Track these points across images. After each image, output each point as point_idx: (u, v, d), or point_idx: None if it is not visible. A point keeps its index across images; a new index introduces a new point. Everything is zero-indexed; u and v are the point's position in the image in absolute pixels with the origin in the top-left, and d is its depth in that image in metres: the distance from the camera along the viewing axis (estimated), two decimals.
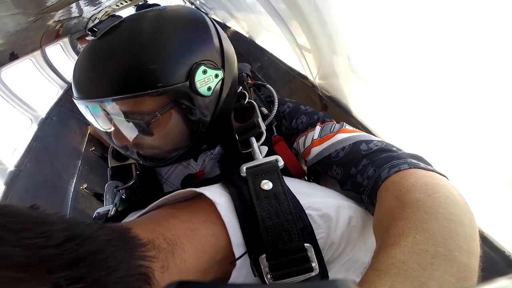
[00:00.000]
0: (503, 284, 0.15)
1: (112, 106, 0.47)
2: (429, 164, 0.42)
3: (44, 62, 2.68)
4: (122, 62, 0.45)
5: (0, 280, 0.20)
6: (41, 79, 2.69)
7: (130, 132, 0.50)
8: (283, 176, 0.43)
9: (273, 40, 1.68)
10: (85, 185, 1.90)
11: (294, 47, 1.01)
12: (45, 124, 2.14)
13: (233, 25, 2.52)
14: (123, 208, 0.58)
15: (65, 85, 2.84)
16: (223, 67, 0.51)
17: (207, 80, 0.48)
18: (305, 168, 0.63)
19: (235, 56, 0.57)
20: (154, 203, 0.42)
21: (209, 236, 0.37)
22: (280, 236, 0.37)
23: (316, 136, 0.55)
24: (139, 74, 0.44)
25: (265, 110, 0.61)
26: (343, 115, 0.92)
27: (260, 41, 1.85)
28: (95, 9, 3.61)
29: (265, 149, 0.54)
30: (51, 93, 2.66)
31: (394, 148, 0.46)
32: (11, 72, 2.06)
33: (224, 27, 3.03)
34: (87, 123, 0.60)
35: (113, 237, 0.28)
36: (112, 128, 0.51)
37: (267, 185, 0.40)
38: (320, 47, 0.85)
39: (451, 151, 0.63)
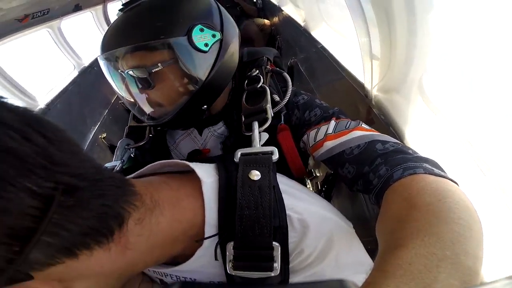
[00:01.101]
0: (503, 284, 0.15)
1: (122, 59, 0.55)
2: (443, 170, 0.42)
3: (103, 16, 2.81)
4: (136, 23, 0.55)
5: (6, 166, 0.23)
6: (96, 32, 2.83)
7: (135, 83, 0.56)
8: (278, 174, 0.44)
9: (332, 36, 1.58)
10: (104, 135, 1.93)
11: (363, 51, 0.92)
12: (86, 72, 2.26)
13: (289, 10, 2.40)
14: (128, 167, 0.63)
15: None
16: (221, 31, 0.58)
17: (204, 37, 0.55)
18: (311, 163, 0.61)
19: (236, 28, 0.64)
20: (153, 164, 0.45)
21: (188, 209, 0.39)
22: (252, 228, 0.38)
23: (330, 131, 0.54)
24: (146, 29, 0.53)
25: (277, 98, 0.62)
26: (391, 136, 0.84)
27: (316, 33, 1.75)
28: None
29: (265, 136, 0.55)
30: None
31: (410, 151, 0.46)
32: (71, 22, 2.22)
33: (278, 10, 2.90)
34: None
35: (117, 178, 0.32)
36: (123, 86, 0.58)
37: (255, 175, 0.40)
38: (394, 57, 0.77)
39: None
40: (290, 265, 0.39)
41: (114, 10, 2.97)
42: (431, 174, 0.39)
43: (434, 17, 0.61)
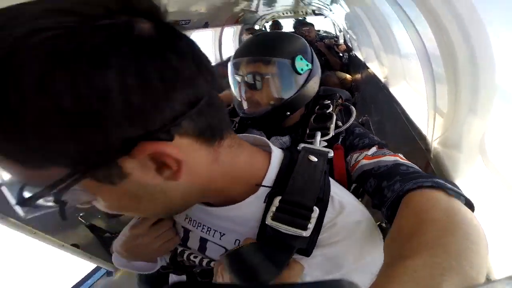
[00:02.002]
0: (503, 284, 0.15)
1: (245, 66, 0.78)
2: (456, 186, 0.43)
3: (217, 38, 3.44)
4: (259, 43, 0.79)
5: None
6: (208, 50, 3.45)
7: (247, 85, 0.78)
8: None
9: (408, 94, 1.63)
10: None
11: (429, 105, 0.98)
12: None
13: (374, 67, 2.52)
14: None
15: (219, 60, 3.63)
16: (312, 64, 0.80)
17: (301, 64, 0.77)
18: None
19: (319, 67, 0.85)
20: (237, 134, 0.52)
21: (259, 161, 0.46)
22: (301, 190, 0.42)
23: (369, 154, 0.62)
24: (266, 49, 0.77)
25: (340, 123, 0.75)
26: None
27: (394, 90, 1.81)
28: (268, 11, 4.34)
29: (323, 143, 0.68)
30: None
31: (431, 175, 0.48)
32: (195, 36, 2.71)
33: (363, 66, 3.03)
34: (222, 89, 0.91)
35: None
36: (237, 86, 0.81)
37: (313, 159, 0.47)
38: (458, 113, 0.81)
39: None
40: (320, 236, 0.42)
41: (227, 34, 3.64)
42: (441, 188, 0.41)
43: (497, 76, 0.66)
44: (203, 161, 0.37)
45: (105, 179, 0.31)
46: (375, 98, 2.28)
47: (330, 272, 0.41)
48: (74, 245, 1.81)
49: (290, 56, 0.76)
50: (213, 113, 0.35)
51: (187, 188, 0.38)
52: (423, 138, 1.07)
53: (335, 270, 0.41)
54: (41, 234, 1.62)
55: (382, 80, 2.09)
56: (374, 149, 0.64)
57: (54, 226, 1.70)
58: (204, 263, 0.49)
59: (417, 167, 0.54)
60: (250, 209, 0.43)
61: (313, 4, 4.19)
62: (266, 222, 0.41)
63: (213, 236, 0.48)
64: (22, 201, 0.31)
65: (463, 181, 0.81)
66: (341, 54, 3.74)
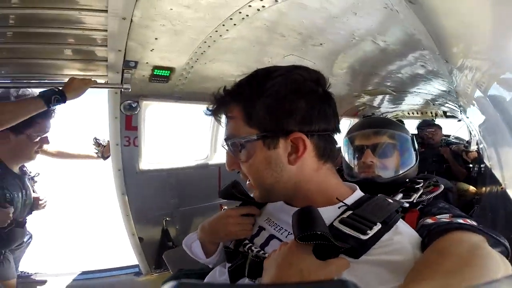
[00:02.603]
0: (504, 284, 0.16)
1: (368, 137, 0.96)
2: (496, 235, 0.48)
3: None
4: (385, 121, 1.03)
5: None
6: None
7: (369, 152, 0.94)
8: None
9: None
10: None
11: None
12: None
13: (499, 175, 2.27)
14: None
15: None
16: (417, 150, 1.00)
17: (415, 144, 0.97)
18: None
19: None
20: None
21: (346, 188, 0.60)
22: (371, 211, 0.50)
23: (438, 217, 0.63)
24: (393, 125, 0.99)
25: (424, 197, 0.80)
26: None
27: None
28: (391, 108, 4.21)
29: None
30: None
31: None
32: None
33: (493, 180, 2.63)
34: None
35: None
36: (356, 154, 0.98)
37: (389, 200, 0.55)
38: None
39: None
40: (374, 247, 0.45)
41: (343, 125, 3.78)
42: (471, 230, 0.47)
43: None
44: (310, 164, 0.54)
45: (266, 144, 0.50)
46: (495, 207, 2.07)
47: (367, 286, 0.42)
48: (140, 238, 2.00)
49: (409, 134, 0.95)
50: (329, 144, 0.55)
51: (292, 176, 0.52)
52: None
53: (373, 285, 0.42)
54: (130, 217, 1.80)
55: (502, 185, 1.94)
56: (446, 215, 0.63)
57: (141, 217, 1.89)
58: (259, 254, 0.57)
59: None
60: (324, 214, 0.49)
61: (446, 105, 3.65)
62: (334, 224, 0.48)
63: (281, 234, 0.58)
64: (226, 140, 0.54)
65: None
66: (470, 165, 3.06)
